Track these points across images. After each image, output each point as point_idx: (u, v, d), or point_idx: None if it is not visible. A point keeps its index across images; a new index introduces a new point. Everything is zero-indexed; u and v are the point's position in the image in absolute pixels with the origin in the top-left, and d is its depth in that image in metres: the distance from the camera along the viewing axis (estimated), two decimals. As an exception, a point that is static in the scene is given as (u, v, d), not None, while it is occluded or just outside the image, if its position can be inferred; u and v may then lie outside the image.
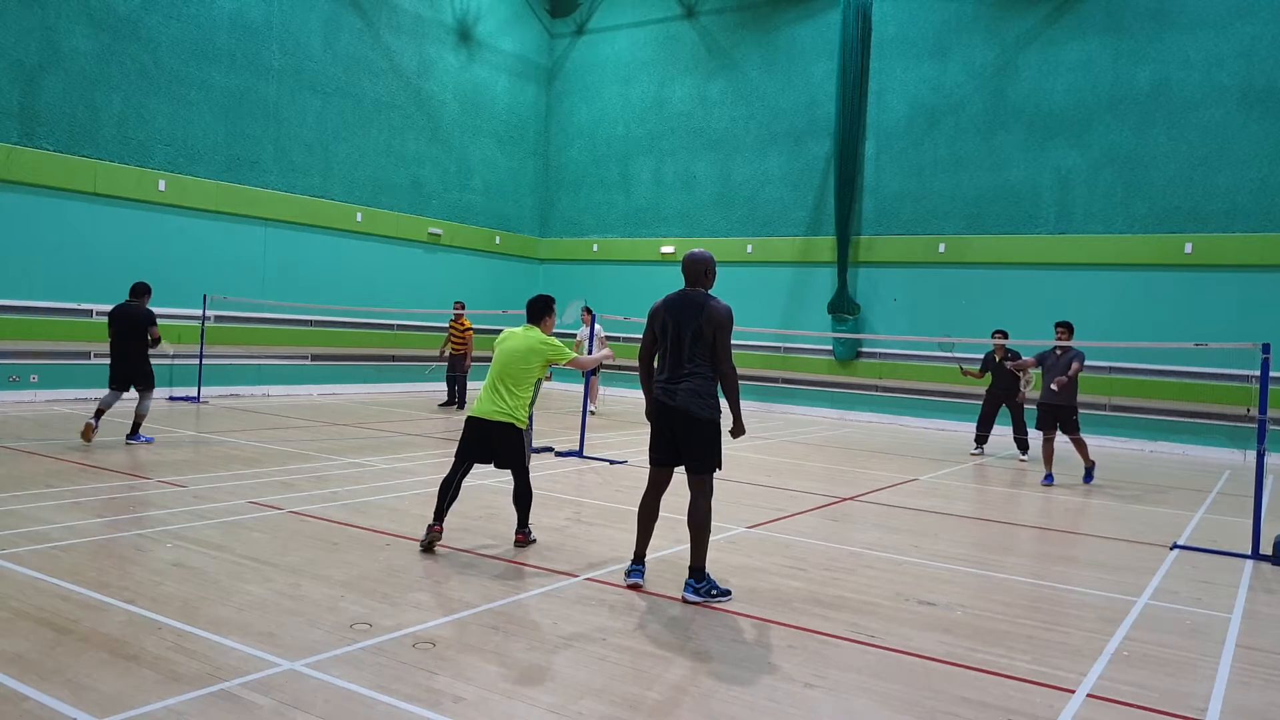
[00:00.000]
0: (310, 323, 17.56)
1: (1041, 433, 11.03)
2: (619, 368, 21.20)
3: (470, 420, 6.41)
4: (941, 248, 17.73)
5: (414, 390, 19.22)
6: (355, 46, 18.21)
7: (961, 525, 8.23)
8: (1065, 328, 10.87)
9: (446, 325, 17.30)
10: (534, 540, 6.57)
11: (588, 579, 5.75)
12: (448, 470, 6.43)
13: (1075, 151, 16.58)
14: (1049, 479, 10.90)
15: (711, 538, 7.00)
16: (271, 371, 16.88)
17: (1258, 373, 7.76)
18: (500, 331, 6.76)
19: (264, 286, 16.68)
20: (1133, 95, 16.10)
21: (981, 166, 17.44)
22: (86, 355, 14.34)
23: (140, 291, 10.66)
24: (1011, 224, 17.18)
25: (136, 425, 10.36)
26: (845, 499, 9.23)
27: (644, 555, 5.72)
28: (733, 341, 5.81)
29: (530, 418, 6.49)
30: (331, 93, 17.80)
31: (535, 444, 11.50)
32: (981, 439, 13.68)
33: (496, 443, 6.36)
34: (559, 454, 11.11)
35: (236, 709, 3.62)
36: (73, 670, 3.90)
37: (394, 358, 19.39)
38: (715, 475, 5.61)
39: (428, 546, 6.18)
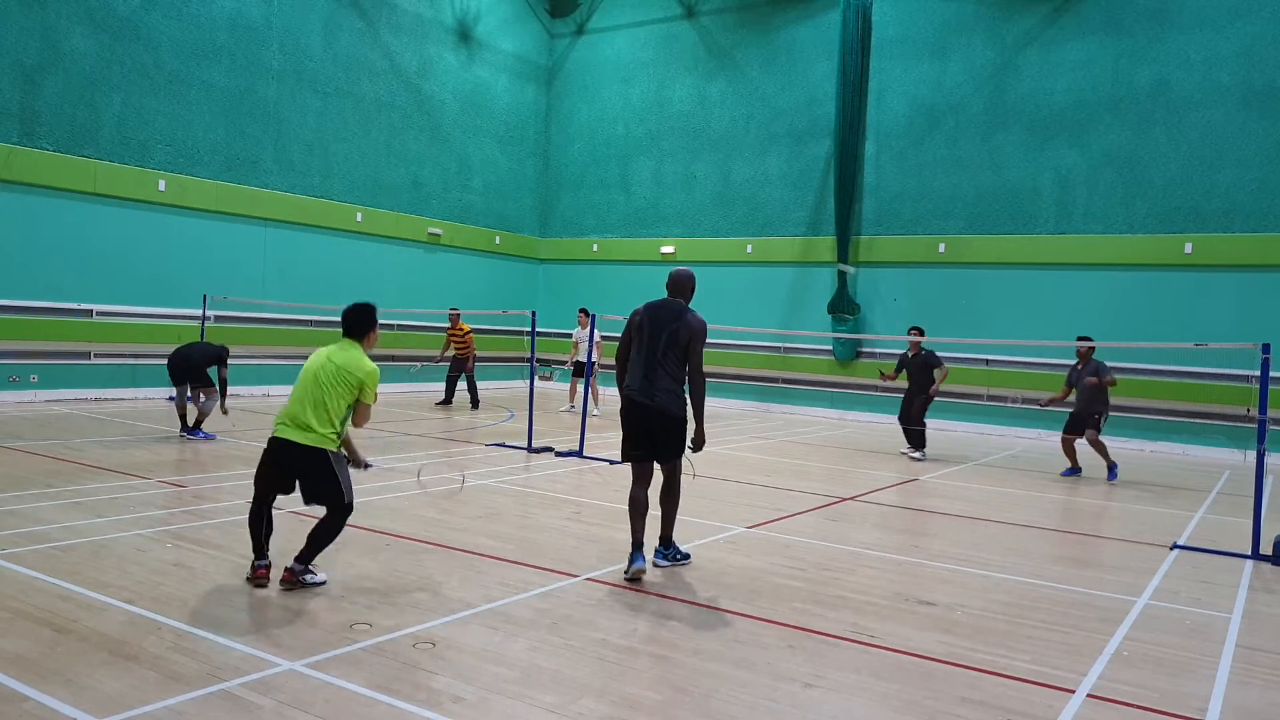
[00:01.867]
0: (310, 323, 17.56)
1: (1065, 433, 11.89)
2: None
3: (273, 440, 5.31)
4: (941, 248, 17.73)
5: (414, 390, 19.22)
6: (355, 46, 18.22)
7: (961, 525, 8.23)
8: (1088, 348, 11.50)
9: (445, 328, 17.29)
10: (310, 582, 5.22)
11: (588, 579, 5.75)
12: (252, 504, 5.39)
13: (1075, 151, 16.58)
14: (1074, 471, 11.75)
15: (711, 537, 7.02)
16: (271, 371, 16.87)
17: (1258, 373, 7.76)
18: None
19: (264, 286, 16.68)
20: (1133, 95, 16.11)
21: (981, 166, 17.44)
22: (86, 355, 14.34)
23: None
24: (1011, 224, 17.18)
25: (198, 422, 10.94)
26: (845, 499, 9.23)
27: (642, 542, 5.92)
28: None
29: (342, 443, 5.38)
30: (331, 93, 17.80)
31: (536, 444, 11.50)
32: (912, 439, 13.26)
33: (302, 469, 5.26)
34: (559, 454, 11.11)
35: (236, 709, 3.62)
36: (73, 670, 3.90)
37: (394, 358, 19.36)
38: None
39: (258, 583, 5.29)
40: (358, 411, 5.39)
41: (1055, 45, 16.79)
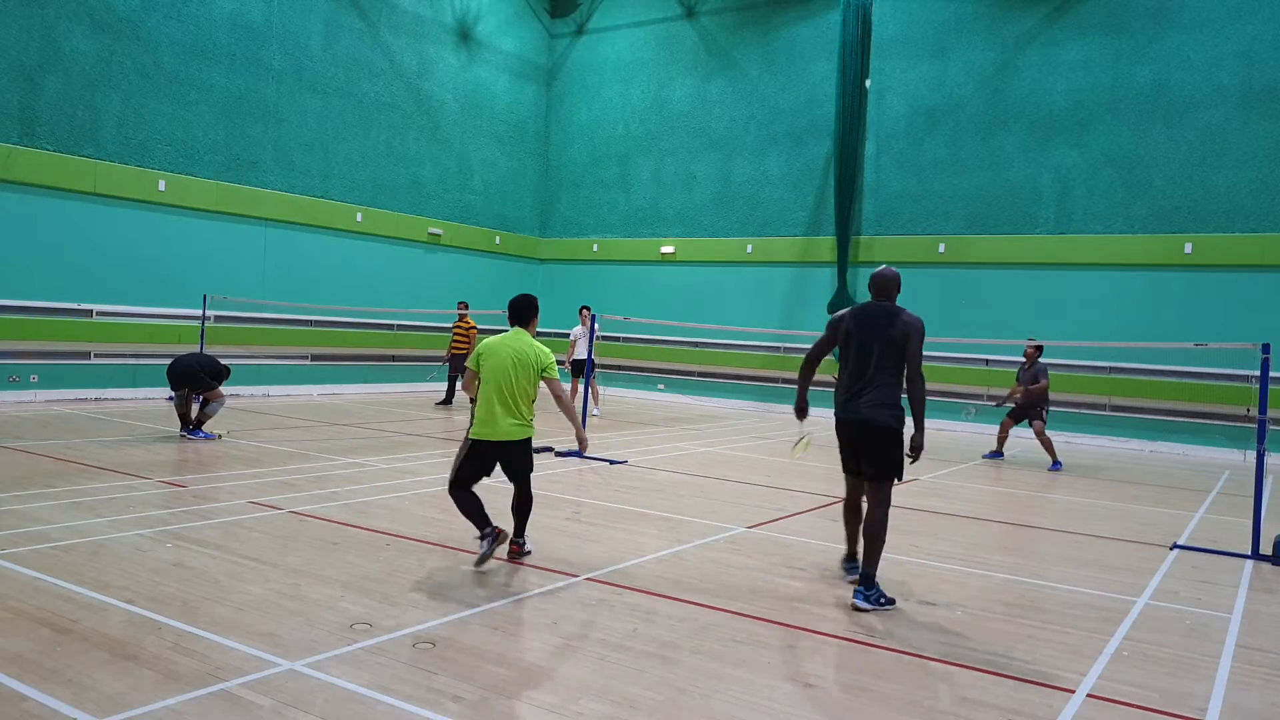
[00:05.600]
0: (310, 323, 17.55)
1: (1007, 420, 13.17)
2: (616, 367, 21.20)
3: (481, 444, 5.89)
4: (941, 248, 17.73)
5: (414, 390, 19.22)
6: (355, 46, 18.21)
7: (961, 525, 8.23)
8: (1036, 349, 12.81)
9: (450, 326, 17.28)
10: (529, 552, 6.18)
11: (588, 579, 5.75)
12: (461, 491, 5.93)
13: (1075, 151, 16.58)
14: (997, 455, 13.25)
15: (711, 537, 6.99)
16: (271, 371, 16.87)
17: (1258, 373, 7.76)
18: (495, 332, 6.34)
19: (264, 286, 16.67)
20: (1133, 95, 16.11)
21: (981, 166, 17.44)
22: (86, 355, 14.34)
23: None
24: (1011, 224, 17.18)
25: (200, 423, 10.91)
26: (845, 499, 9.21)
27: (855, 554, 6.07)
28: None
29: None
30: (331, 93, 17.80)
31: (536, 444, 11.49)
32: None
33: (511, 457, 5.96)
34: (559, 454, 11.12)
35: (236, 709, 3.62)
36: (73, 670, 3.90)
37: (394, 358, 19.38)
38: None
39: (487, 557, 5.72)
40: (552, 387, 5.99)
41: (1055, 45, 16.79)
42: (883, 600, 5.39)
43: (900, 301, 5.90)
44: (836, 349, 5.94)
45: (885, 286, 5.74)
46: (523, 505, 6.16)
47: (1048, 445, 12.56)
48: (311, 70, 17.39)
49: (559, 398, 6.03)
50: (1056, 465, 12.50)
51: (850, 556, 6.09)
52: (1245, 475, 12.32)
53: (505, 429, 5.85)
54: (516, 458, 5.98)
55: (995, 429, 13.73)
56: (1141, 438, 15.80)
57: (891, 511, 8.63)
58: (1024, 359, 12.90)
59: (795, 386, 6.19)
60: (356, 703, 3.73)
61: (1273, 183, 14.97)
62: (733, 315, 18.50)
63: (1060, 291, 16.51)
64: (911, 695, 4.13)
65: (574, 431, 6.30)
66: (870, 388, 5.50)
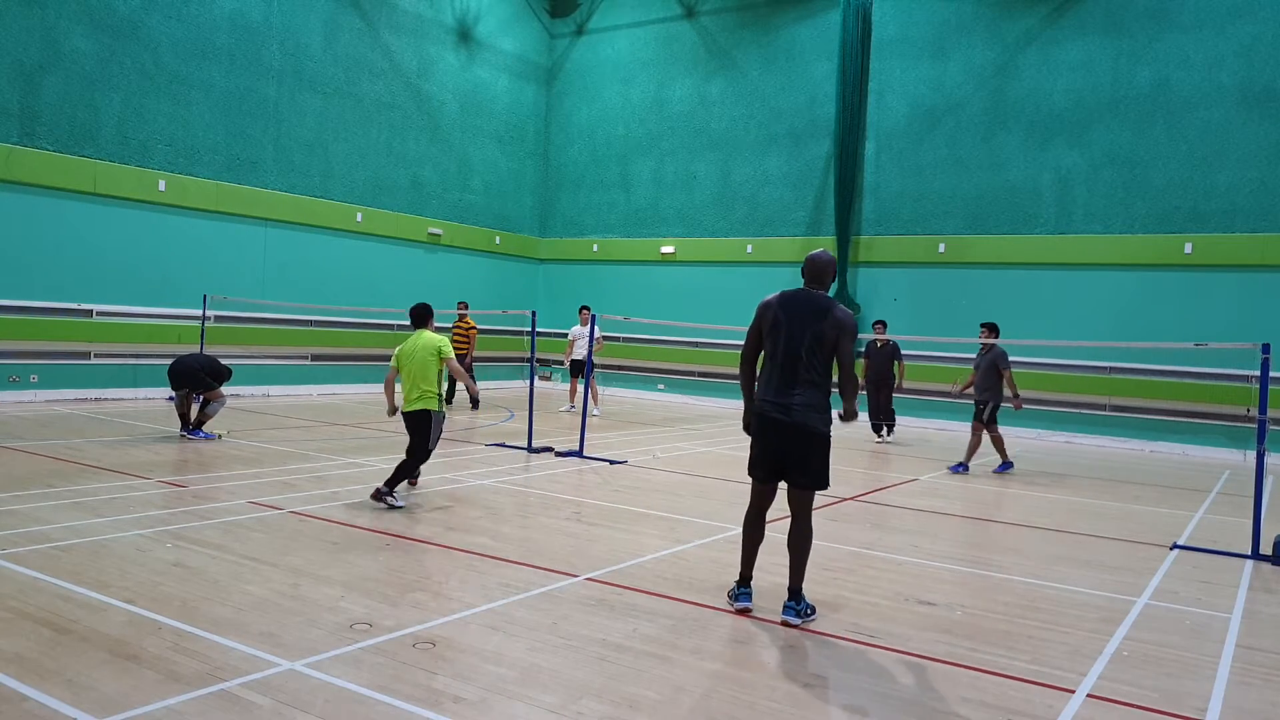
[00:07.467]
0: (310, 323, 17.55)
1: (975, 424, 11.72)
2: (616, 367, 21.20)
3: (405, 414, 7.87)
4: (941, 248, 17.73)
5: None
6: (355, 46, 18.21)
7: (961, 525, 8.23)
8: (988, 328, 11.63)
9: (450, 326, 17.27)
10: (398, 505, 7.44)
11: (588, 579, 5.75)
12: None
13: (1075, 151, 16.58)
14: (960, 468, 11.51)
15: (711, 537, 6.99)
16: (271, 371, 16.87)
17: (1258, 373, 7.76)
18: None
19: (264, 286, 16.67)
20: (1133, 95, 16.11)
21: (981, 166, 17.44)
22: (86, 355, 14.34)
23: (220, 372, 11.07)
24: (1011, 224, 17.18)
25: (200, 423, 10.89)
26: (845, 499, 9.22)
27: (750, 576, 5.33)
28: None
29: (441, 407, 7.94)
30: (331, 93, 17.80)
31: (536, 444, 11.52)
32: (878, 427, 15.03)
33: (409, 421, 7.81)
34: (559, 454, 11.11)
35: (236, 709, 3.62)
36: (73, 670, 3.91)
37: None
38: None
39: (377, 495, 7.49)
40: (448, 365, 7.94)
41: (1055, 45, 16.79)
42: (810, 612, 5.10)
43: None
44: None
45: (820, 272, 5.21)
46: (404, 462, 7.68)
47: (999, 445, 11.61)
48: (311, 70, 17.39)
49: (455, 370, 8.03)
50: (1004, 466, 11.63)
51: (745, 580, 5.31)
52: (1245, 475, 12.32)
53: (411, 400, 7.82)
54: (414, 422, 7.80)
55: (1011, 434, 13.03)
56: (1141, 438, 15.80)
57: (892, 511, 8.68)
58: (981, 341, 11.64)
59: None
60: (356, 703, 3.73)
61: (1272, 183, 14.97)
62: (733, 315, 18.46)
63: (1060, 291, 16.50)
64: (911, 695, 4.13)
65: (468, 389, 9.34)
66: (802, 386, 5.04)
